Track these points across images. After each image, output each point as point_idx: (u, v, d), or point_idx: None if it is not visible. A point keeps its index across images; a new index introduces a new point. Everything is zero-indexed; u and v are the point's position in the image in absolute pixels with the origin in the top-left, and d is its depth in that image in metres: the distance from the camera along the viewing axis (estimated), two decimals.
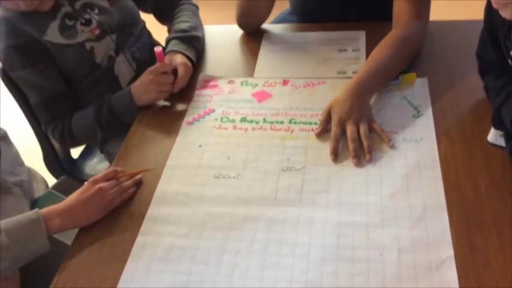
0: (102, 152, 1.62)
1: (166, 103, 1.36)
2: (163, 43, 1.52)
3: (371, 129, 1.16)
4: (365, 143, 1.12)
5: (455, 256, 0.90)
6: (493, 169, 1.05)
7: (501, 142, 1.08)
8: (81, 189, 1.07)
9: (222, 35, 1.62)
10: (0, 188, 1.18)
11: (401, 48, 1.29)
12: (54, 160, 1.66)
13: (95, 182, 1.08)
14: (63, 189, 1.31)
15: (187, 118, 1.30)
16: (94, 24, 1.41)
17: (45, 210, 1.03)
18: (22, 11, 1.32)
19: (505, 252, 0.90)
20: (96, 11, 1.42)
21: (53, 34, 1.36)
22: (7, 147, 1.29)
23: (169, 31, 1.54)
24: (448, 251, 0.90)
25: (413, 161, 1.08)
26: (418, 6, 1.34)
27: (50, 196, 1.31)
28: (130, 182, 1.12)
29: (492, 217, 0.95)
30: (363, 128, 1.14)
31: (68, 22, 1.37)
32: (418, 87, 1.27)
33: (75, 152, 1.73)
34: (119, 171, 1.13)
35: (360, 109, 1.17)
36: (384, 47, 1.29)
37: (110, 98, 1.37)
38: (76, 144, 1.54)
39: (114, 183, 1.10)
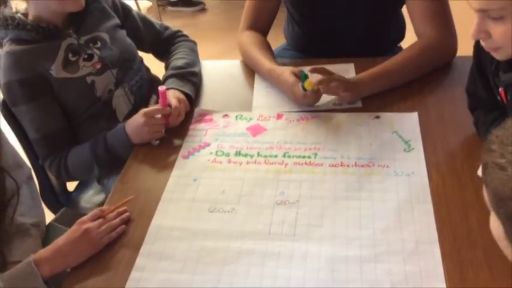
0: (99, 183, 1.62)
1: (162, 138, 1.37)
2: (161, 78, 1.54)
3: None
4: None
5: None
6: (484, 203, 1.05)
7: None
8: (69, 231, 1.09)
9: (218, 69, 1.65)
10: (19, 229, 1.19)
11: (417, 57, 1.42)
12: (50, 193, 1.66)
13: (82, 223, 1.09)
14: (65, 221, 1.30)
15: (183, 152, 1.31)
16: (95, 59, 1.43)
17: (35, 257, 1.04)
18: (27, 47, 1.35)
19: (496, 286, 0.90)
20: (99, 44, 1.44)
21: (56, 70, 1.38)
22: (29, 188, 1.30)
23: (166, 69, 1.57)
24: (440, 285, 0.91)
25: (405, 195, 1.10)
26: (432, 18, 1.44)
27: (53, 230, 1.30)
28: (117, 220, 1.12)
29: (483, 252, 0.96)
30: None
31: (71, 58, 1.40)
32: (409, 122, 1.29)
33: (71, 185, 1.74)
34: (104, 210, 1.14)
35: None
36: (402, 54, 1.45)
37: (105, 135, 1.38)
38: (71, 179, 1.55)
39: (101, 223, 1.10)
